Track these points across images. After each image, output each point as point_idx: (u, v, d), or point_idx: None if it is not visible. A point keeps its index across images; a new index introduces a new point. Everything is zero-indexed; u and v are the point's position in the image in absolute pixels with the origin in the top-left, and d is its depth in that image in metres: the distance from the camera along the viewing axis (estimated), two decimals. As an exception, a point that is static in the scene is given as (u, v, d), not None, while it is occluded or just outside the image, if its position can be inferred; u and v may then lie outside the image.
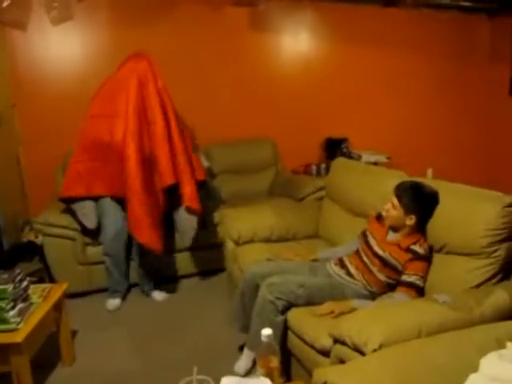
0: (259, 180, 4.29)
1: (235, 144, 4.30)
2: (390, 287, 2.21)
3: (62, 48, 3.90)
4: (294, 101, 4.63)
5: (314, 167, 4.42)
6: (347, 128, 4.75)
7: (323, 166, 4.39)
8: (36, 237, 3.47)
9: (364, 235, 2.41)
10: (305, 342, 2.05)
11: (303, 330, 2.07)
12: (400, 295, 2.10)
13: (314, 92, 4.68)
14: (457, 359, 1.45)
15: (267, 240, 2.95)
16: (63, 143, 3.69)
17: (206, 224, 3.48)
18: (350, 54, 4.74)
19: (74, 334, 2.80)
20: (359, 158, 4.39)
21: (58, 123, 3.88)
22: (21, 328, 2.07)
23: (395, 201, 2.21)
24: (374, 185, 2.67)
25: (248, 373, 2.32)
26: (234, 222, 3.03)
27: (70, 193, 3.16)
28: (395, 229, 2.25)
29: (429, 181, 2.35)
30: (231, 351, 2.57)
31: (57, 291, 2.45)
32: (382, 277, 2.21)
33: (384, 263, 2.21)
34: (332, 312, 2.08)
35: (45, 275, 3.33)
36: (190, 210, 3.17)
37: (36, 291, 2.37)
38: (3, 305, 2.03)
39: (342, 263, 2.39)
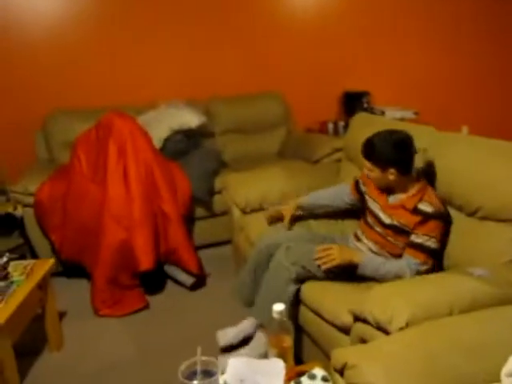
0: (268, 140, 4.28)
1: (239, 99, 4.27)
2: None
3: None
4: (306, 49, 4.58)
5: (330, 125, 4.40)
6: (368, 80, 4.71)
7: (341, 123, 4.39)
8: (15, 208, 3.49)
9: (362, 197, 2.48)
10: (322, 317, 2.07)
11: (321, 304, 2.10)
12: (401, 262, 2.10)
13: (329, 39, 4.63)
14: (494, 339, 1.46)
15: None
16: (43, 101, 3.68)
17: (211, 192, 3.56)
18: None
19: (61, 316, 2.85)
20: (382, 114, 4.36)
21: (36, 77, 3.86)
22: (1, 309, 2.10)
23: (366, 163, 2.24)
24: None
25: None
26: (240, 188, 3.03)
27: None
28: (390, 190, 2.27)
29: (460, 136, 2.32)
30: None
31: (41, 268, 2.48)
32: (401, 245, 2.21)
33: (396, 231, 2.22)
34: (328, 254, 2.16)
35: (26, 252, 3.38)
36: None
37: (17, 268, 2.40)
38: (-20, 284, 2.06)
39: (359, 239, 2.42)
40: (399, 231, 2.20)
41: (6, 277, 2.22)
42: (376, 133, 2.24)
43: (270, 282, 2.26)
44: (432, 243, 2.09)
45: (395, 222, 2.21)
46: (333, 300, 2.07)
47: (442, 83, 5.07)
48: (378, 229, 2.30)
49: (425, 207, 2.13)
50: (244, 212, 3.01)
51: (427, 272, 2.08)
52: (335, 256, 2.15)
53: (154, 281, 3.23)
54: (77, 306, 3.03)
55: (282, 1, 4.43)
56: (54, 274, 2.76)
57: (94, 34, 3.93)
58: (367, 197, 2.43)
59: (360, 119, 3.14)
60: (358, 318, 1.83)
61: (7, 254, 2.26)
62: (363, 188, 2.51)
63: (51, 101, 3.87)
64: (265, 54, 4.46)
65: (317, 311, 2.12)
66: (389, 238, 2.25)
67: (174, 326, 2.83)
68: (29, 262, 2.51)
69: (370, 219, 2.38)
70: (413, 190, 2.20)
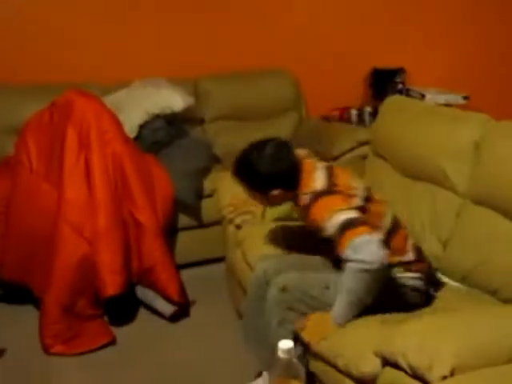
0: (273, 130, 4.18)
1: (237, 77, 4.24)
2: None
3: None
4: (322, 15, 4.56)
5: (354, 112, 4.39)
6: (403, 54, 4.71)
7: (368, 109, 4.36)
8: None
9: None
10: (335, 366, 2.04)
11: (335, 347, 2.06)
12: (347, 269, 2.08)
13: (353, 1, 4.61)
14: None
15: (286, 217, 2.92)
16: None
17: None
18: None
19: None
20: (422, 97, 4.33)
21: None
22: None
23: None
24: (444, 134, 2.65)
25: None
26: (236, 191, 2.98)
27: None
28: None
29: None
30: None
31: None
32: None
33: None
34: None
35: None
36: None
37: None
38: None
39: None
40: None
41: None
42: (241, 155, 2.32)
43: (267, 316, 2.28)
44: (336, 220, 2.08)
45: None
46: (350, 338, 2.04)
47: (498, 61, 5.04)
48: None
49: (304, 196, 2.22)
50: (238, 227, 2.99)
51: (380, 244, 2.02)
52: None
53: (121, 308, 3.19)
54: (21, 340, 2.98)
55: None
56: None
57: None
58: None
59: (393, 104, 3.13)
60: (387, 362, 1.80)
61: None
62: None
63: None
64: (271, 20, 4.43)
65: (327, 358, 2.08)
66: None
67: (147, 366, 2.79)
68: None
69: None
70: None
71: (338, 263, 2.27)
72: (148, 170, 3.34)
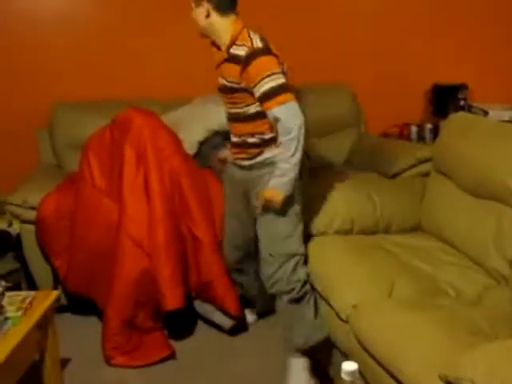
0: (332, 146, 4.24)
1: (296, 92, 4.23)
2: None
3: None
4: (383, 31, 4.53)
5: (414, 128, 4.34)
6: (465, 69, 4.61)
7: (428, 126, 4.32)
8: (10, 224, 3.55)
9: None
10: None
11: (396, 360, 2.01)
12: (272, 113, 2.48)
13: (413, 16, 4.57)
14: None
15: (346, 232, 2.96)
16: (48, 92, 3.75)
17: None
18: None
19: (64, 363, 2.85)
20: (485, 114, 4.24)
21: (39, 63, 3.96)
22: (-9, 354, 2.11)
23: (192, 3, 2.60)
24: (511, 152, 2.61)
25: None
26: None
27: None
28: (215, 43, 2.67)
29: None
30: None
31: (42, 302, 2.49)
32: (247, 113, 2.63)
33: (231, 92, 2.64)
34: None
35: (22, 278, 3.43)
36: None
37: (13, 301, 2.41)
38: (-32, 320, 2.08)
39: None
40: (234, 91, 2.61)
41: (-1, 312, 2.23)
42: None
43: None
44: (271, 84, 2.45)
45: (225, 82, 2.64)
46: (413, 353, 1.98)
47: None
48: (228, 109, 2.75)
49: (237, 49, 2.53)
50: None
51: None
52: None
53: (181, 322, 3.22)
54: (84, 351, 3.03)
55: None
56: (57, 308, 2.76)
57: (105, 13, 4.06)
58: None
59: (458, 121, 3.10)
60: (453, 387, 1.76)
61: (2, 283, 2.28)
62: None
63: (57, 92, 3.95)
64: (331, 35, 4.44)
65: (387, 367, 2.04)
66: (230, 106, 2.70)
67: (205, 380, 2.80)
68: (27, 294, 2.53)
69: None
70: (234, 37, 2.56)
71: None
72: (206, 186, 3.37)
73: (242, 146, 2.72)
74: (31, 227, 3.32)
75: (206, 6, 2.57)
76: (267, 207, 2.61)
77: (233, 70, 2.56)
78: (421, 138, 4.31)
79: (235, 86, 2.58)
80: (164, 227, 3.06)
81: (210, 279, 3.13)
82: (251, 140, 2.68)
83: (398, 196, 3.20)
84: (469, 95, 4.45)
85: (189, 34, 4.04)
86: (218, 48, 2.67)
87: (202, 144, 3.65)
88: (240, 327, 3.21)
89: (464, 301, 2.36)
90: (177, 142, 3.36)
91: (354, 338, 2.28)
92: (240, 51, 2.52)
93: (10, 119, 3.96)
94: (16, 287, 3.11)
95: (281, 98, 2.45)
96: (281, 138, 2.52)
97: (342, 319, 2.38)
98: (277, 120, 2.49)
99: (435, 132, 4.17)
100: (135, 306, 2.99)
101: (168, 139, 3.28)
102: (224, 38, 2.60)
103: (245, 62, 2.49)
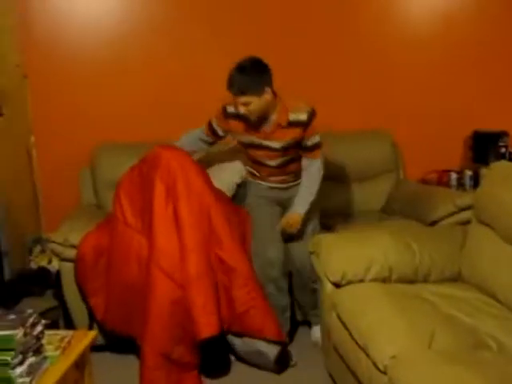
0: (371, 191, 4.26)
1: (333, 136, 4.20)
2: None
3: (92, 1, 4.07)
4: (423, 77, 4.58)
5: (453, 175, 4.35)
6: (505, 117, 4.60)
7: (468, 173, 4.32)
8: (50, 262, 3.60)
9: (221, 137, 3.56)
10: None
11: None
12: (311, 171, 3.38)
13: (454, 63, 4.60)
14: None
15: (384, 280, 2.93)
16: (92, 132, 3.84)
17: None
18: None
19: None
20: (527, 162, 4.21)
21: (84, 104, 4.08)
22: (30, 392, 2.12)
23: (241, 99, 3.08)
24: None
25: None
26: (335, 254, 3.00)
27: None
28: (261, 119, 3.21)
29: None
30: None
31: (80, 342, 2.50)
32: (296, 155, 3.40)
33: (288, 150, 3.32)
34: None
35: (60, 316, 3.47)
36: None
37: (52, 340, 2.42)
38: (8, 358, 2.07)
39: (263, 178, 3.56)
40: (291, 147, 3.30)
41: (38, 350, 2.25)
42: (232, 70, 3.09)
43: None
44: (318, 138, 3.31)
45: (284, 144, 3.26)
46: None
47: None
48: (272, 161, 3.39)
49: (297, 116, 3.20)
50: (337, 285, 2.95)
51: None
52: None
53: (215, 360, 3.22)
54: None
55: (394, 19, 4.49)
56: (93, 348, 2.77)
57: (150, 46, 4.17)
58: (236, 134, 3.43)
59: (499, 170, 3.06)
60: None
61: (42, 321, 2.30)
62: (220, 130, 3.48)
63: (100, 131, 4.07)
64: (371, 81, 4.50)
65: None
66: (285, 159, 3.37)
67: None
68: (66, 334, 2.54)
69: (258, 153, 3.40)
70: (278, 107, 3.21)
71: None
72: (239, 222, 3.42)
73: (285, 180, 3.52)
74: (70, 265, 3.35)
75: (268, 90, 3.12)
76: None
77: (293, 132, 3.24)
78: (460, 184, 4.30)
79: (291, 144, 3.30)
80: (195, 258, 3.08)
81: (245, 309, 3.13)
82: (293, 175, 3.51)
83: (437, 244, 3.15)
84: (510, 143, 4.43)
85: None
86: (255, 120, 3.24)
87: (239, 186, 3.70)
88: (286, 359, 3.22)
89: (506, 355, 2.32)
90: (205, 176, 3.40)
91: (392, 390, 2.26)
92: (300, 116, 3.21)
93: (55, 159, 4.08)
94: (54, 325, 3.14)
95: (319, 153, 3.39)
96: (312, 176, 3.39)
97: (380, 370, 2.34)
98: (312, 164, 3.37)
99: (475, 179, 4.16)
100: (171, 340, 2.99)
101: (197, 173, 3.32)
102: (273, 110, 3.22)
103: (307, 122, 3.23)
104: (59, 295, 3.46)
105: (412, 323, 2.48)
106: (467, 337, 2.42)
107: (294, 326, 3.65)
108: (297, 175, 3.48)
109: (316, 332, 3.47)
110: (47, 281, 3.56)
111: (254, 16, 4.25)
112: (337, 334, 2.85)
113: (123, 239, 3.24)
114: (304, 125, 3.21)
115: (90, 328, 3.31)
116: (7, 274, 3.69)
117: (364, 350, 2.49)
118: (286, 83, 4.15)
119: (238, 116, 3.25)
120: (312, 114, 3.21)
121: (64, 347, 2.42)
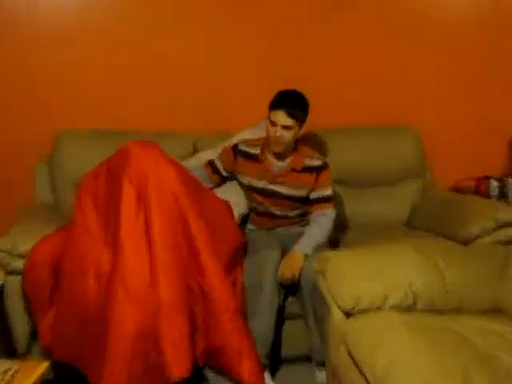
0: (391, 200, 4.28)
1: (348, 133, 4.30)
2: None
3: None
4: (455, 67, 4.66)
5: (494, 183, 4.37)
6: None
7: (511, 181, 4.30)
8: (-6, 275, 3.57)
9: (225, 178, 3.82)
10: None
11: None
12: (321, 222, 3.58)
13: (490, 53, 4.67)
14: None
15: (407, 309, 2.91)
16: (49, 120, 3.84)
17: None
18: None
19: None
20: None
21: (39, 85, 4.09)
22: None
23: (288, 121, 3.36)
24: None
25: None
26: (346, 276, 2.98)
27: None
28: (281, 155, 3.57)
29: None
30: None
31: (28, 375, 2.47)
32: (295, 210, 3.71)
33: (293, 200, 3.62)
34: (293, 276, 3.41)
35: (3, 343, 3.41)
36: None
37: (-8, 374, 2.40)
38: None
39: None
40: (298, 199, 3.59)
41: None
42: (283, 91, 3.46)
43: None
44: (331, 189, 3.59)
45: (292, 191, 3.57)
46: None
47: None
48: (274, 210, 3.67)
49: (312, 162, 3.56)
50: (349, 314, 2.93)
51: None
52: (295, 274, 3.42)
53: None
54: None
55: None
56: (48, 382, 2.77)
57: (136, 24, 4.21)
58: (242, 175, 3.69)
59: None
60: None
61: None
62: (224, 171, 3.77)
63: (60, 119, 4.08)
64: (393, 71, 4.59)
65: None
66: (287, 213, 3.69)
67: None
68: (11, 365, 2.50)
69: (262, 199, 3.66)
70: (297, 151, 3.59)
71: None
72: (217, 219, 3.45)
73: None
74: (18, 279, 3.30)
75: (302, 126, 3.49)
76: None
77: (305, 177, 3.56)
78: (502, 195, 4.32)
79: (302, 195, 3.62)
80: (168, 282, 3.04)
81: (223, 345, 3.12)
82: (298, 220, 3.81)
83: (472, 267, 3.13)
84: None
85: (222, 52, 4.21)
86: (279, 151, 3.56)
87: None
88: None
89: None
90: (185, 177, 3.38)
91: None
92: (315, 162, 3.58)
93: (3, 150, 4.07)
94: (-5, 354, 3.11)
95: (330, 205, 3.64)
96: (324, 226, 3.60)
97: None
98: (323, 214, 3.61)
99: (520, 188, 4.18)
100: (133, 380, 2.92)
101: (175, 173, 3.28)
102: (291, 151, 3.60)
103: (322, 167, 3.58)
104: (3, 316, 3.42)
105: (440, 363, 2.46)
106: (506, 378, 2.41)
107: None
108: (302, 218, 3.79)
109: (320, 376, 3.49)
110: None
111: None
112: (346, 374, 2.84)
113: (80, 248, 3.18)
114: (317, 170, 3.57)
115: (27, 353, 3.31)
116: None
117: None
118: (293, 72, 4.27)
119: (247, 155, 3.66)
120: (326, 163, 3.61)
121: (8, 381, 2.38)
